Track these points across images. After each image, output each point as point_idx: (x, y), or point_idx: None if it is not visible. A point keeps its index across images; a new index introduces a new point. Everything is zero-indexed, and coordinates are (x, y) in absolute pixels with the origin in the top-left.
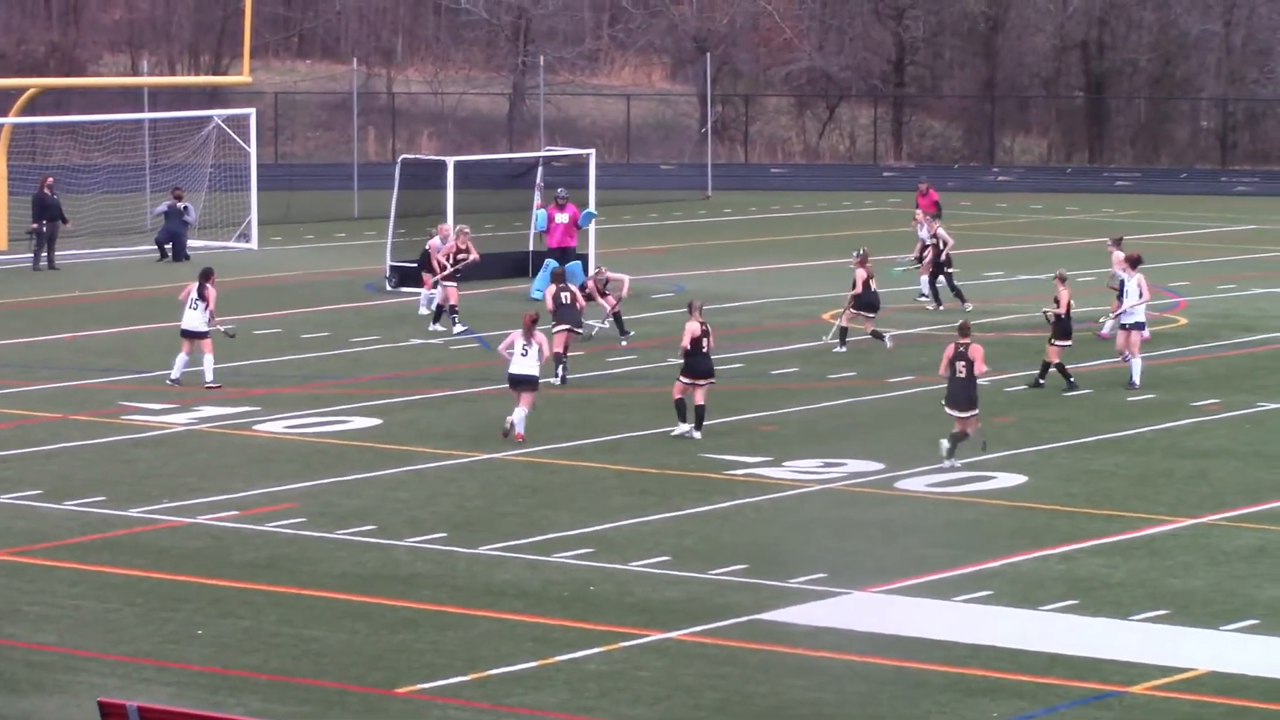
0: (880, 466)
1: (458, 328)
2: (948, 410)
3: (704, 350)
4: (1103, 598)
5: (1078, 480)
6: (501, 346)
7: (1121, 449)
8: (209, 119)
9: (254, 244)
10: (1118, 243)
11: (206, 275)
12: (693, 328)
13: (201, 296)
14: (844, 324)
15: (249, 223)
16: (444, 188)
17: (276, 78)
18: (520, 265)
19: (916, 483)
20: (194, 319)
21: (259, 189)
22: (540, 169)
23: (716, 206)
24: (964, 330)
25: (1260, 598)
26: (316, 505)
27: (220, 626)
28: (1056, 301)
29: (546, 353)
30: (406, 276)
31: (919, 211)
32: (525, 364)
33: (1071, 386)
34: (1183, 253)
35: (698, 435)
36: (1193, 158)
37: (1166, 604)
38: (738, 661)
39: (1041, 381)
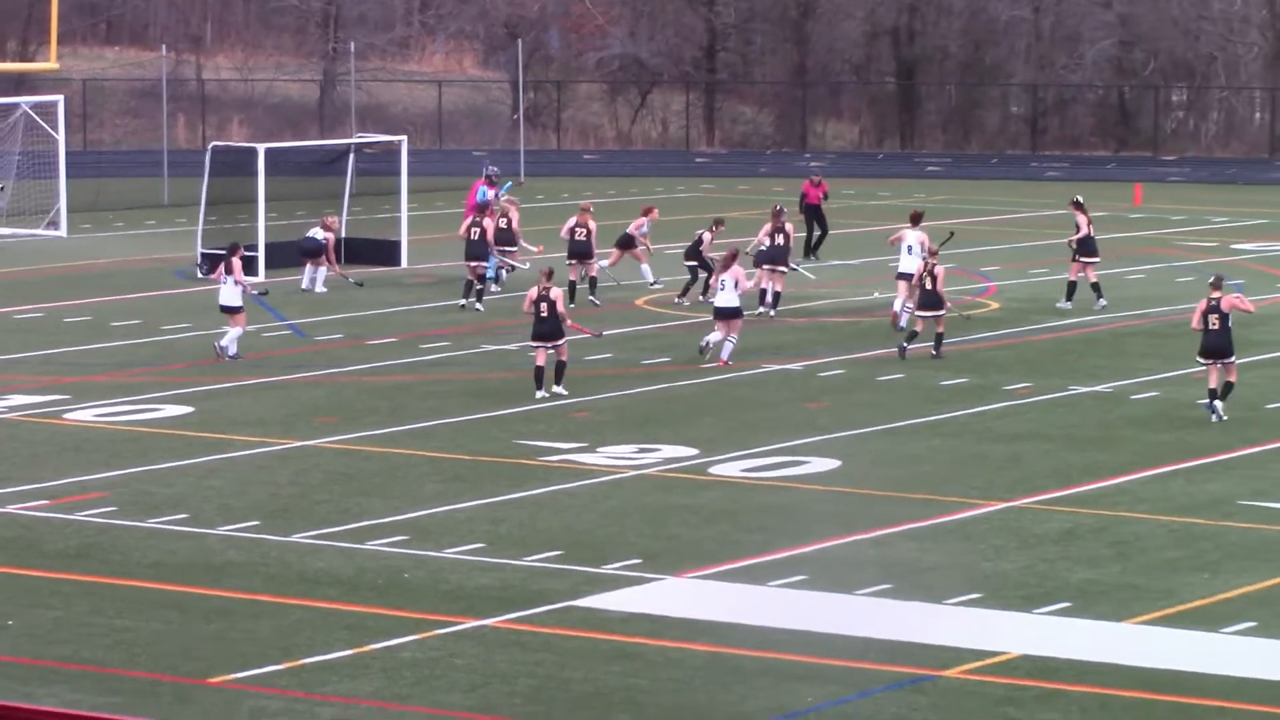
0: (695, 452)
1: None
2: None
3: (543, 314)
4: (916, 582)
5: (891, 464)
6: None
7: (934, 433)
8: (16, 106)
9: (63, 231)
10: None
11: (233, 250)
12: (531, 292)
13: (229, 270)
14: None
15: (58, 210)
16: (255, 175)
17: (84, 64)
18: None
19: (731, 468)
20: (229, 294)
21: (68, 176)
22: (352, 156)
23: (529, 192)
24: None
25: (1071, 580)
26: (128, 494)
27: (30, 617)
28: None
29: (745, 286)
30: (218, 264)
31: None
32: (726, 297)
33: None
34: (994, 237)
35: (558, 389)
36: (1003, 143)
37: (979, 588)
38: (553, 648)
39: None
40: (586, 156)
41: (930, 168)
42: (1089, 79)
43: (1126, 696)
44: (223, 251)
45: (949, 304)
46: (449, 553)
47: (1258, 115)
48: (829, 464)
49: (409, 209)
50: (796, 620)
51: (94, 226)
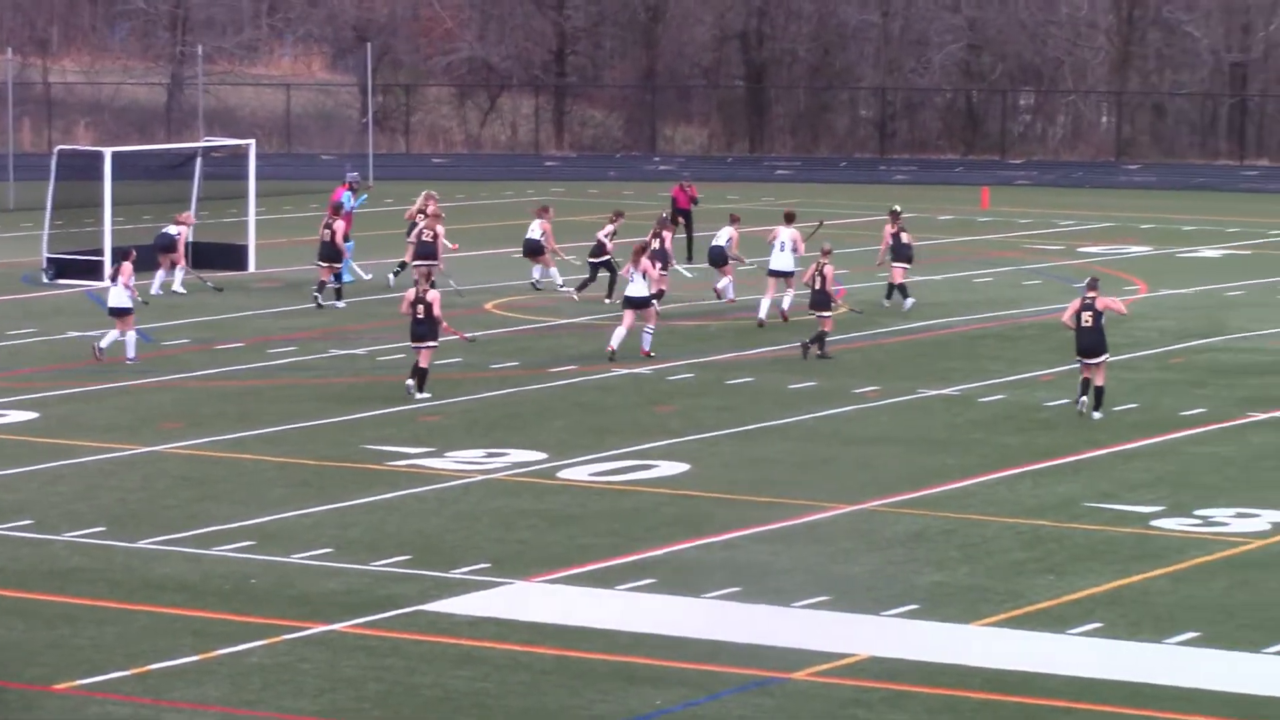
0: (543, 456)
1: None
2: None
3: (419, 316)
4: (765, 585)
5: (740, 467)
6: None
7: (784, 436)
8: None
9: None
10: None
11: (125, 254)
12: (409, 293)
13: (121, 275)
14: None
15: None
16: (102, 179)
17: None
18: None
19: (579, 472)
20: (118, 296)
21: None
22: (199, 160)
23: (378, 196)
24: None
25: (920, 583)
26: None
27: None
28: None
29: (653, 275)
30: (65, 268)
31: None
32: (635, 288)
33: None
34: (843, 240)
35: (417, 394)
36: (852, 146)
37: (828, 590)
38: (401, 653)
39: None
40: (436, 160)
41: (779, 171)
42: (937, 83)
43: (974, 698)
44: (69, 257)
45: (838, 302)
46: (296, 558)
47: (1104, 119)
48: (678, 467)
49: (257, 213)
50: (645, 624)
51: None
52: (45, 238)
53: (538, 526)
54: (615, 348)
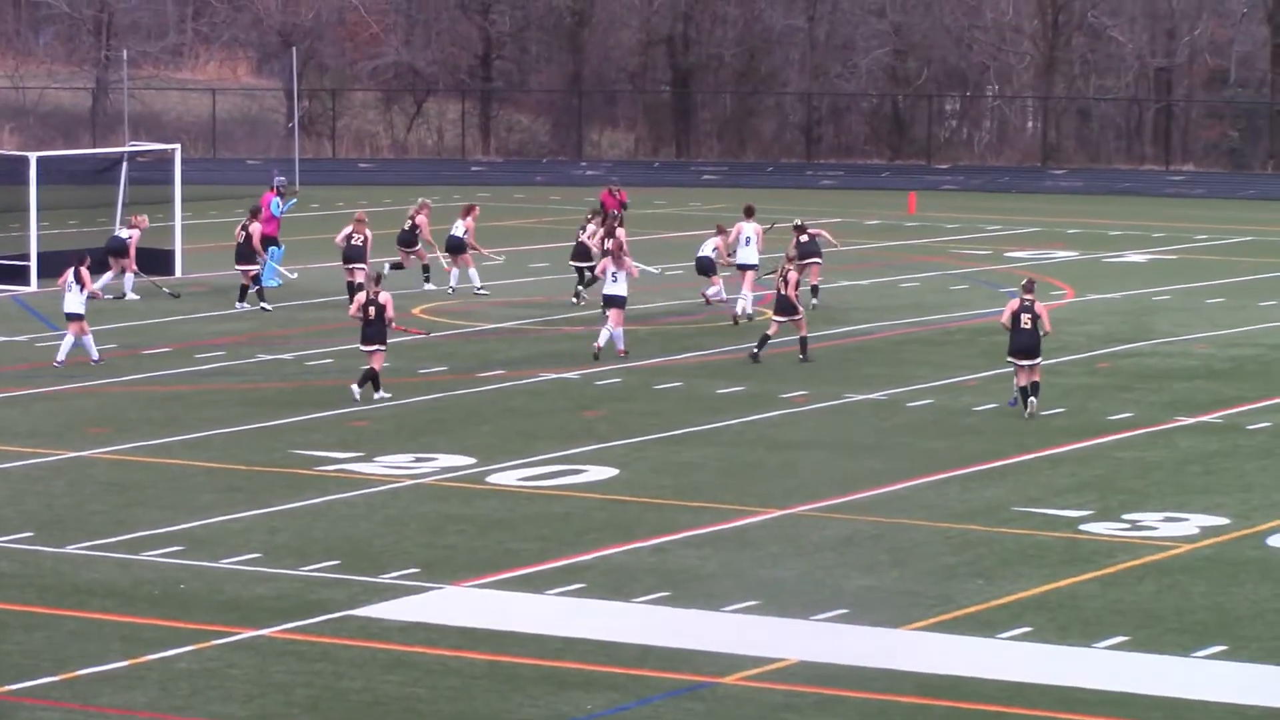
0: (472, 461)
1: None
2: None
3: (370, 318)
4: (694, 589)
5: (668, 472)
6: (599, 270)
7: (711, 441)
8: None
9: None
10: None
11: (81, 259)
12: (359, 296)
13: (78, 280)
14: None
15: None
16: (27, 184)
17: None
18: (106, 261)
19: (508, 477)
20: (73, 301)
21: None
22: (125, 164)
23: (304, 201)
24: None
25: (849, 587)
26: None
27: None
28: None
29: (635, 273)
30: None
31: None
32: (615, 286)
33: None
34: (769, 245)
35: (362, 395)
36: (778, 151)
37: (757, 594)
38: (330, 658)
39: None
40: (362, 165)
41: (706, 176)
42: (863, 88)
43: (904, 702)
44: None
45: (801, 309)
46: (225, 563)
47: (1030, 124)
48: (606, 472)
49: (183, 218)
50: (575, 628)
51: None
52: None
53: (467, 531)
54: (601, 346)
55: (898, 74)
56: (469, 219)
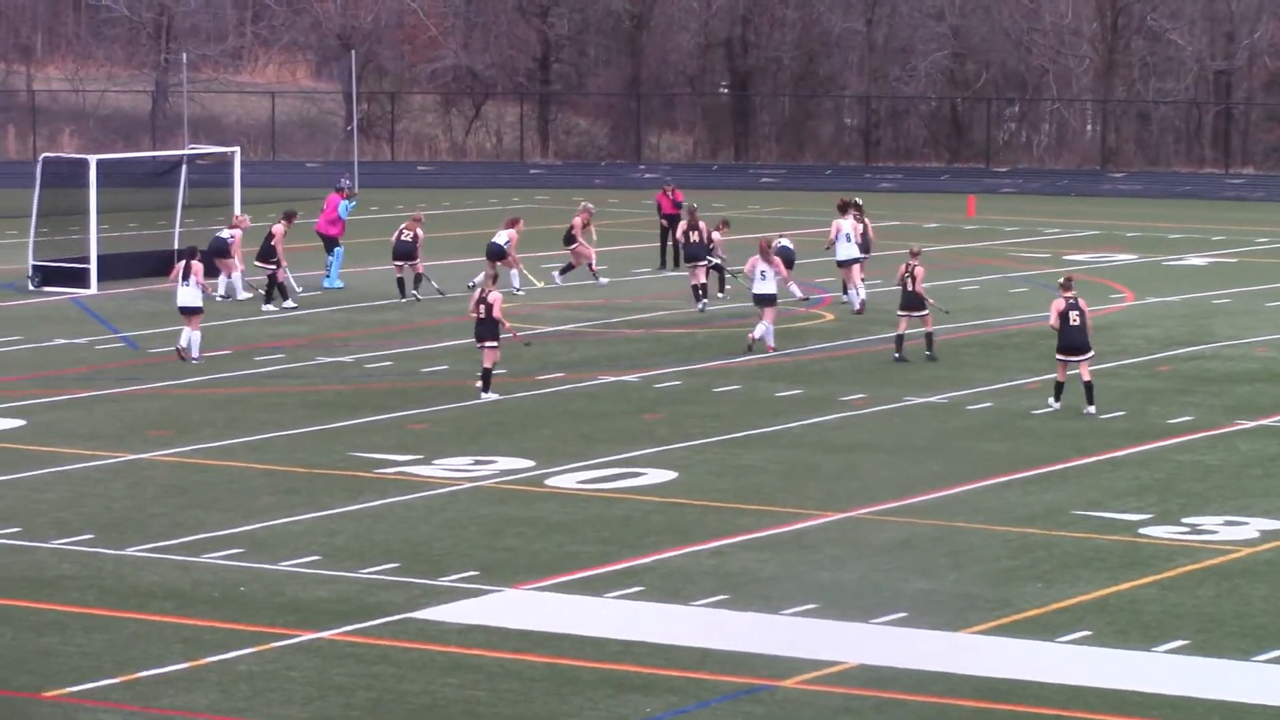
0: (531, 463)
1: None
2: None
3: (481, 316)
4: (753, 592)
5: (728, 475)
6: (746, 269)
7: (771, 444)
8: None
9: None
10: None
11: (191, 253)
12: (475, 294)
13: (189, 273)
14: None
15: None
16: (87, 186)
17: None
18: (165, 263)
19: (567, 479)
20: (187, 295)
21: None
22: (185, 167)
23: (363, 204)
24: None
25: (907, 590)
26: None
27: None
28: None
29: (783, 273)
30: (50, 275)
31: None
32: (765, 285)
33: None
34: (828, 249)
35: (483, 394)
36: (837, 154)
37: (816, 597)
38: (390, 660)
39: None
40: (421, 168)
41: (765, 179)
42: (922, 91)
43: (964, 706)
44: (54, 264)
45: (931, 301)
46: (285, 565)
47: (1089, 127)
48: (666, 475)
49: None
50: (634, 631)
51: None
52: (31, 245)
53: (526, 534)
54: (756, 338)
55: (956, 77)
56: (513, 230)
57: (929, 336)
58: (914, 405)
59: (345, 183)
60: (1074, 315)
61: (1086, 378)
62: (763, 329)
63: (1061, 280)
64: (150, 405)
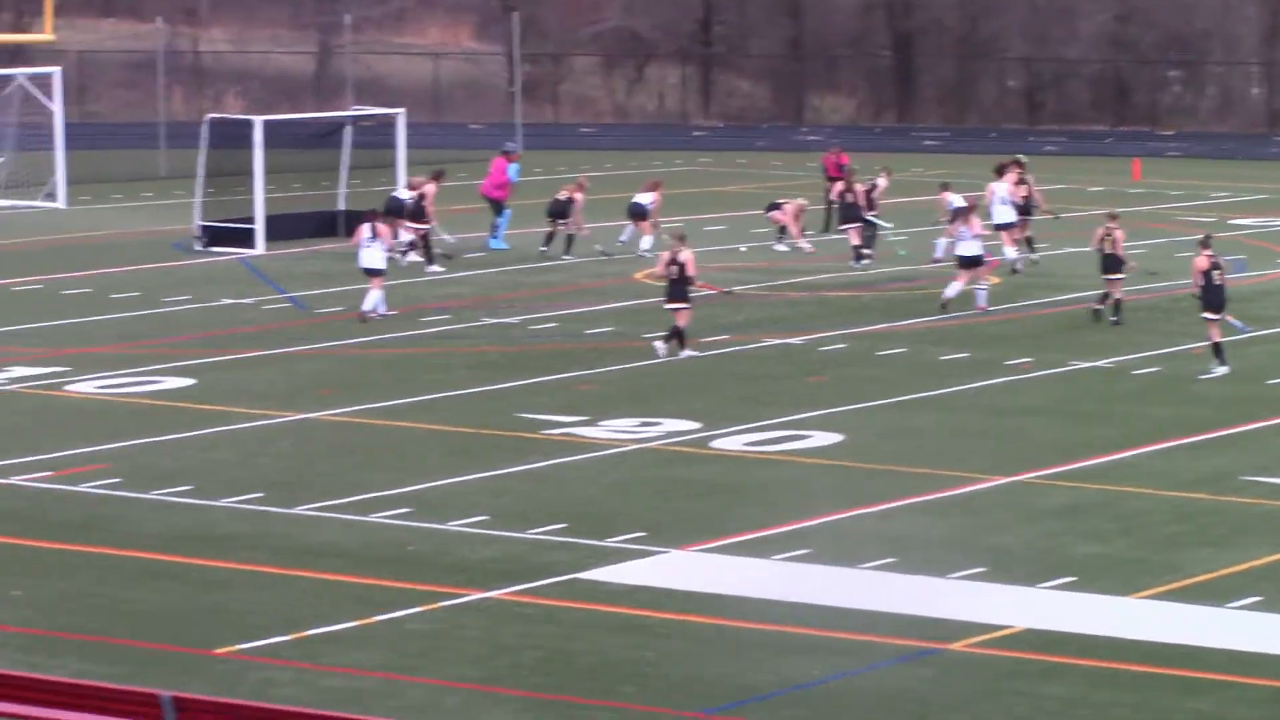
0: (697, 426)
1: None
2: None
3: (673, 276)
4: (921, 555)
5: (894, 438)
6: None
7: (937, 407)
8: (12, 78)
9: (61, 203)
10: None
11: (374, 214)
12: (664, 255)
13: (375, 234)
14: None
15: (55, 182)
16: (251, 147)
17: (80, 36)
18: (330, 224)
19: (733, 442)
20: (371, 256)
21: (65, 148)
22: (349, 128)
23: (526, 166)
24: None
25: (1074, 554)
26: (131, 466)
27: (36, 588)
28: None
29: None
30: (218, 236)
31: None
32: (968, 247)
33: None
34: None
35: (672, 353)
36: (1000, 117)
37: (984, 561)
38: (557, 620)
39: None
40: (583, 130)
41: (927, 141)
42: (1086, 54)
43: (1133, 670)
44: (222, 225)
45: (1132, 264)
46: (453, 525)
47: (1255, 90)
48: (831, 438)
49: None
50: (801, 593)
51: (92, 199)
52: (197, 205)
53: (692, 495)
54: (951, 297)
55: (1121, 40)
56: (655, 192)
57: (1117, 303)
58: (1080, 369)
59: (512, 145)
60: (1218, 274)
61: (1217, 336)
62: (956, 289)
63: (1203, 237)
64: (318, 365)
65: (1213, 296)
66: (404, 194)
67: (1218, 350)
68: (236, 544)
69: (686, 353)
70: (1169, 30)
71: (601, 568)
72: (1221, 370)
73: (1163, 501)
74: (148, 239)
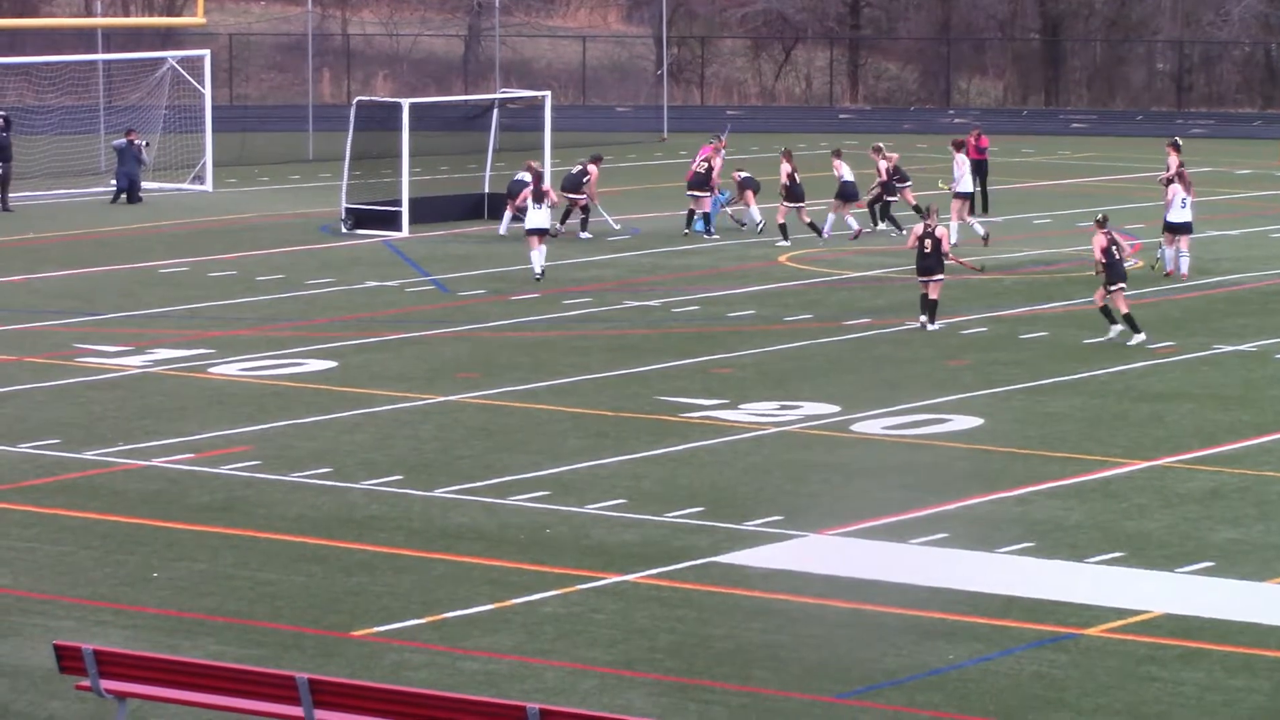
0: (836, 409)
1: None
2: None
3: (926, 250)
4: (1059, 540)
5: (1033, 423)
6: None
7: (1077, 391)
8: (163, 61)
9: (209, 186)
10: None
11: (539, 178)
12: (915, 228)
13: (540, 197)
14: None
15: (204, 165)
16: (399, 130)
17: (230, 19)
18: (476, 207)
19: (873, 425)
20: (537, 217)
21: (213, 131)
22: (496, 111)
23: (672, 148)
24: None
25: (1214, 540)
26: (272, 448)
27: (176, 569)
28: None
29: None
30: (363, 218)
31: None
32: (1182, 213)
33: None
34: (1138, 195)
35: (929, 326)
36: (1148, 100)
37: (1122, 546)
38: (694, 604)
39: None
40: (730, 112)
41: (1075, 124)
42: (1235, 36)
43: (1270, 656)
44: (367, 207)
45: None
46: (591, 508)
47: None
48: (971, 422)
49: (552, 165)
50: (938, 578)
51: (239, 181)
52: (344, 188)
53: (831, 479)
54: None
55: (1270, 22)
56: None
57: None
58: (1222, 353)
59: (726, 132)
60: (1115, 250)
61: None
62: (1174, 254)
63: (1099, 218)
64: (459, 348)
65: (1115, 271)
66: (525, 176)
67: (1129, 319)
68: (375, 526)
69: (931, 327)
70: None
71: (738, 551)
72: (1139, 338)
73: None
74: (294, 221)
